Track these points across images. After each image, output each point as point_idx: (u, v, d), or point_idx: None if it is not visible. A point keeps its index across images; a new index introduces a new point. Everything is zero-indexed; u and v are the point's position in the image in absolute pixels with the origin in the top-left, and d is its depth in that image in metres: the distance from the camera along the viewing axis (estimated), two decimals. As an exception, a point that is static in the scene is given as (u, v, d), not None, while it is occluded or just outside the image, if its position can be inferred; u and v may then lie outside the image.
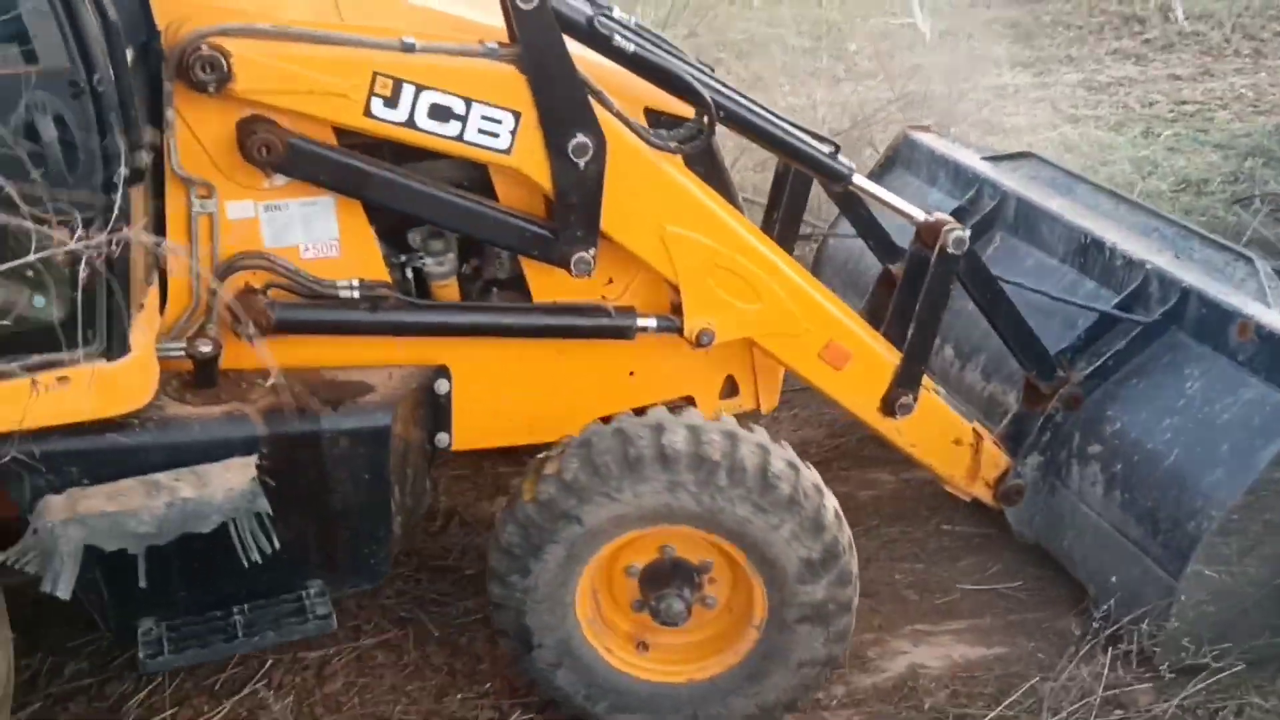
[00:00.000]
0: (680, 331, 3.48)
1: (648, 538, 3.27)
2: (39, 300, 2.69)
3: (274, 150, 2.97)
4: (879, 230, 4.49)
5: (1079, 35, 10.53)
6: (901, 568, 4.30)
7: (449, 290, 3.47)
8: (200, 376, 3.08)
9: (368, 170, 3.11)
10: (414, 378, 3.33)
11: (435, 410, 3.46)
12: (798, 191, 4.37)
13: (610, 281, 3.53)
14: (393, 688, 3.71)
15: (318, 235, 3.22)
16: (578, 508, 3.14)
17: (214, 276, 3.10)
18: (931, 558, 4.37)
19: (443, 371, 3.43)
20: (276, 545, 2.93)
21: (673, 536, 3.27)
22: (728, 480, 3.11)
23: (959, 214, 4.72)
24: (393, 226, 3.37)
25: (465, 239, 3.47)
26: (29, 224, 2.32)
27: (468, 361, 3.46)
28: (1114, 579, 3.75)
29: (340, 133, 3.13)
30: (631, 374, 3.67)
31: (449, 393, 3.46)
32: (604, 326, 3.46)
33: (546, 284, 3.50)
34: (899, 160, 5.53)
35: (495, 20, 3.32)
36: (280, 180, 3.11)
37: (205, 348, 3.04)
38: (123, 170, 2.67)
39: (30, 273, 2.66)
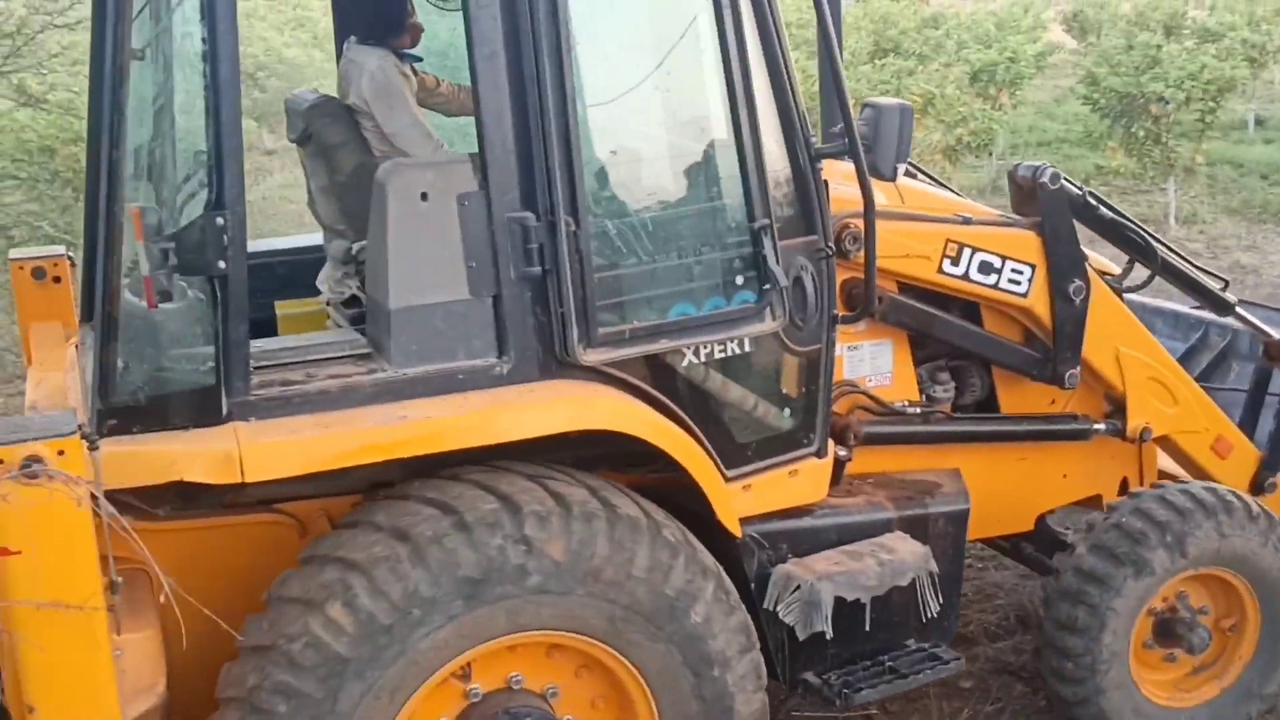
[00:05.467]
0: (1122, 433, 4.48)
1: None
2: (786, 412, 3.60)
3: (882, 302, 3.97)
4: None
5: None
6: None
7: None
8: (834, 475, 3.96)
9: (937, 315, 4.13)
10: (956, 478, 4.24)
11: None
12: None
13: (1053, 401, 4.53)
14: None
15: (879, 368, 4.20)
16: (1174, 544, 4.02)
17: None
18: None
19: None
20: (942, 600, 3.76)
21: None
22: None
23: (1191, 353, 5.85)
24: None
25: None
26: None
27: (968, 465, 4.39)
28: None
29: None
30: (1064, 475, 4.63)
31: None
32: (1076, 430, 4.45)
33: (1013, 400, 4.49)
34: None
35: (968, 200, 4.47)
36: (862, 326, 4.09)
37: (843, 453, 3.94)
38: (836, 312, 3.66)
39: (784, 391, 3.59)
